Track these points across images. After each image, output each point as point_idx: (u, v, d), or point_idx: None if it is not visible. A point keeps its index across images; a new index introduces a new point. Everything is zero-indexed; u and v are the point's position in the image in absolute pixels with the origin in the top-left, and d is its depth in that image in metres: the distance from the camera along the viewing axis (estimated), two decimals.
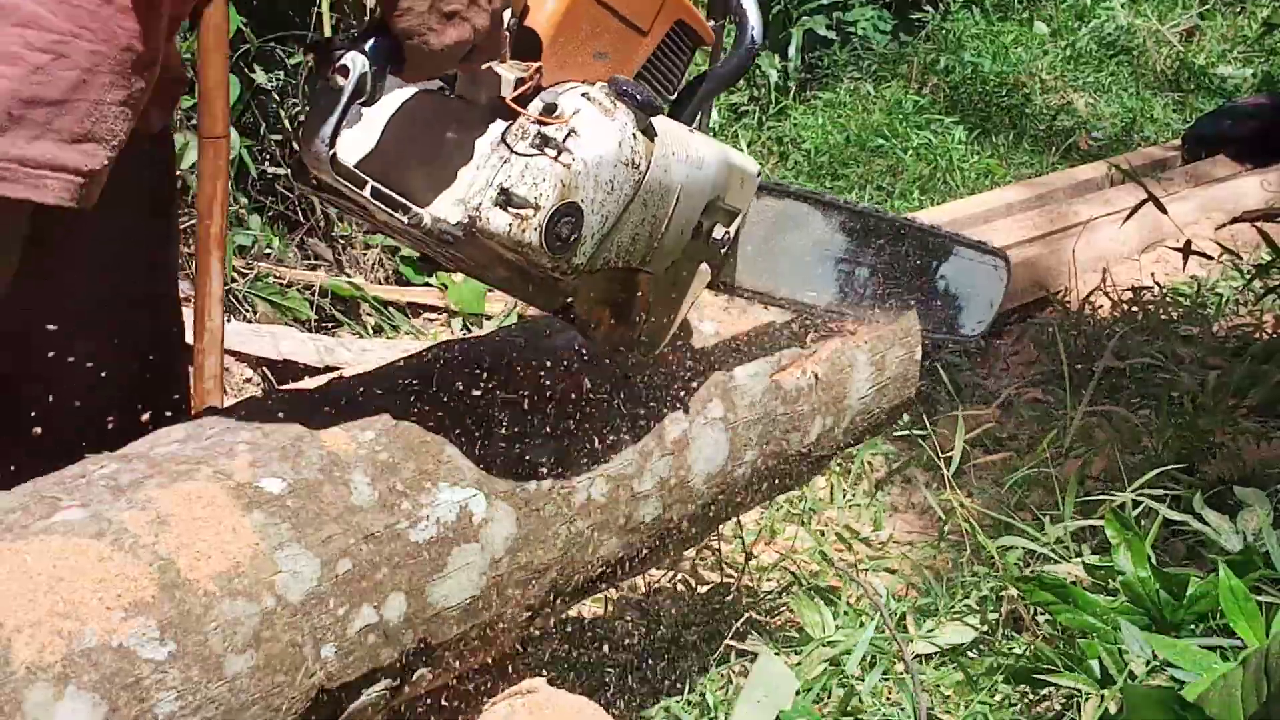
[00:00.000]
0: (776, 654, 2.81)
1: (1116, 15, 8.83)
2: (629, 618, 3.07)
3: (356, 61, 1.74)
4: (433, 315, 5.14)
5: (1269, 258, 4.78)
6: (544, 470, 2.11)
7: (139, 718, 1.58)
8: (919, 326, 2.69)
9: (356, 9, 5.14)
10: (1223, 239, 5.53)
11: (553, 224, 1.81)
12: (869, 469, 3.90)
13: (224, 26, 3.45)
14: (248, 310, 4.79)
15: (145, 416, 2.13)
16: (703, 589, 3.23)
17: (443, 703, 2.23)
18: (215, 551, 1.73)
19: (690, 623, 3.03)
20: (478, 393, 2.11)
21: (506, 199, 1.80)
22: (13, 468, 1.85)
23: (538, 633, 2.39)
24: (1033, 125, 7.63)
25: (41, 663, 1.53)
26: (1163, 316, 4.85)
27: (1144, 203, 5.02)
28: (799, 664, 2.84)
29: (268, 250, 5.10)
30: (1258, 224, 5.06)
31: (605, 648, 2.89)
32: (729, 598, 3.18)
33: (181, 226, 4.03)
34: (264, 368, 4.40)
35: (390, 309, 5.06)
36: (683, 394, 2.32)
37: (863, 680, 2.79)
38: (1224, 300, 5.06)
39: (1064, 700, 2.61)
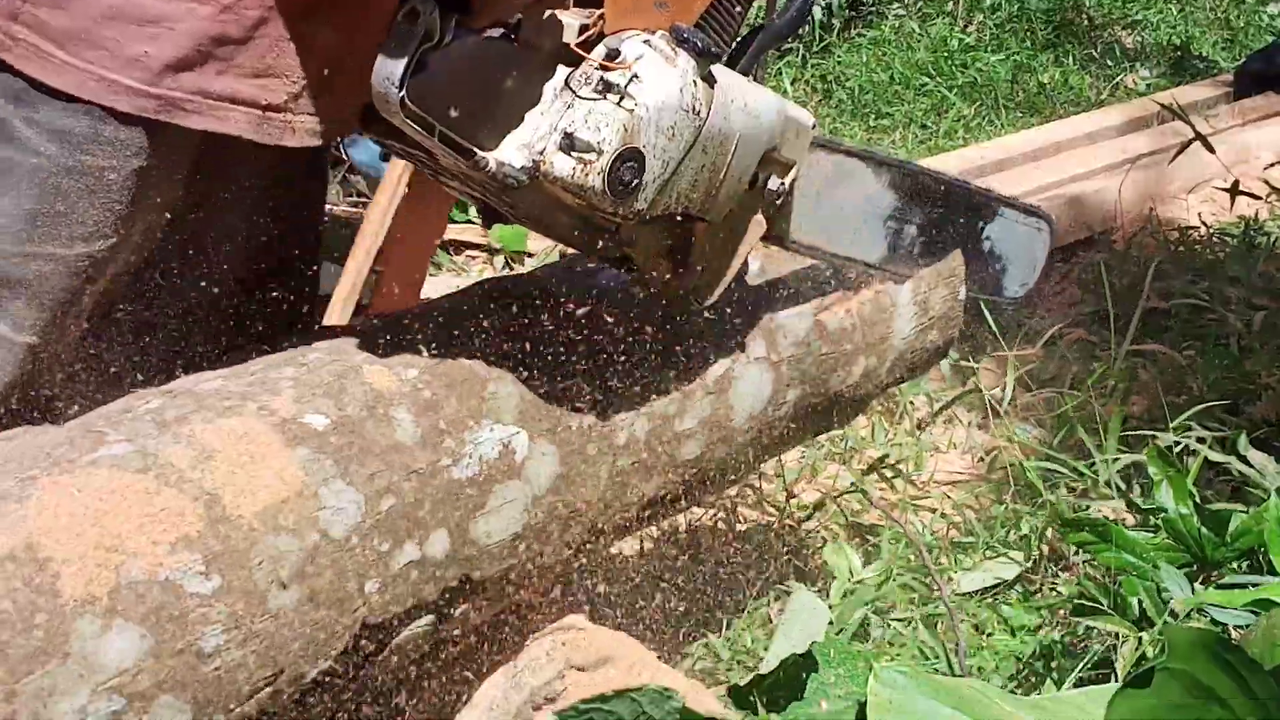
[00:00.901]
0: (817, 592, 2.82)
1: None
2: (670, 555, 3.08)
3: (425, 6, 1.76)
4: (474, 253, 5.14)
5: None
6: (586, 408, 2.11)
7: (184, 651, 1.60)
8: (962, 266, 2.67)
9: None
10: (1271, 178, 5.47)
11: (615, 168, 1.83)
12: (911, 408, 3.89)
13: None
14: None
15: None
16: (743, 527, 3.24)
17: (484, 638, 2.25)
18: (260, 487, 1.74)
19: (730, 561, 3.04)
20: (520, 330, 2.12)
21: (570, 143, 1.81)
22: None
23: (579, 569, 2.40)
24: (1079, 63, 7.55)
25: (89, 596, 1.54)
26: (1209, 256, 4.81)
27: (1191, 141, 4.97)
28: (836, 603, 2.85)
29: None
30: None
31: (646, 585, 2.90)
32: (770, 536, 3.19)
33: None
34: None
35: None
36: (726, 333, 2.32)
37: (897, 618, 2.80)
38: (1272, 240, 5.01)
39: (1103, 641, 2.61)
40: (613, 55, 1.85)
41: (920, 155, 6.24)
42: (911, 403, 3.92)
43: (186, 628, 1.61)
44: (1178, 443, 3.18)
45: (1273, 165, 5.67)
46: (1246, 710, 1.77)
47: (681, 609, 2.83)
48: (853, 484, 3.41)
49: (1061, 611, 2.75)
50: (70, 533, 1.58)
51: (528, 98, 1.88)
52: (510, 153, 1.85)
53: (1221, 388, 3.71)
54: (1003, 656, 2.73)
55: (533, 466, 2.03)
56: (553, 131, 1.83)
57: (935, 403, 3.90)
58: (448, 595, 1.95)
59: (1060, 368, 4.09)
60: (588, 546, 2.19)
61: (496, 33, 1.92)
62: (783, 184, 2.15)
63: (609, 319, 2.19)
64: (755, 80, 2.14)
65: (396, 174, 3.45)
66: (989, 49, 7.58)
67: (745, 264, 2.29)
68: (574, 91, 1.85)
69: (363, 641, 1.83)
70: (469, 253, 5.13)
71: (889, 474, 3.51)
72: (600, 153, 1.82)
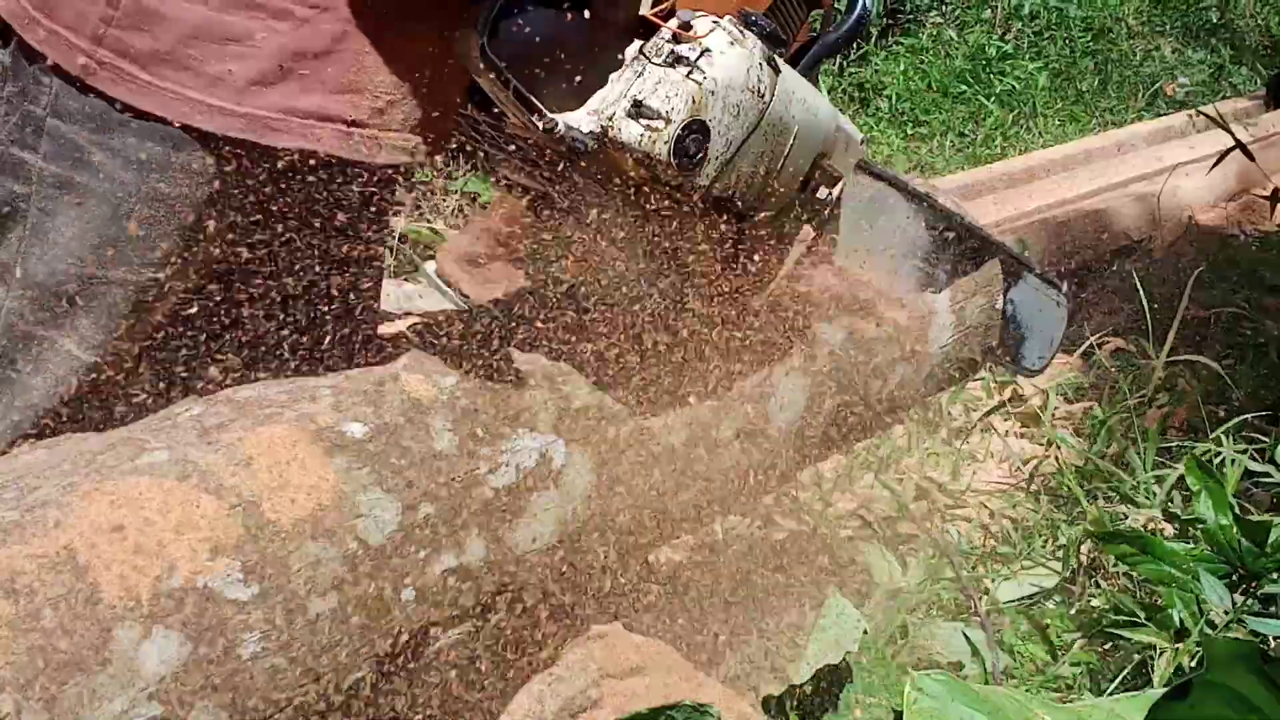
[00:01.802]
0: (853, 601, 2.81)
1: None
2: (705, 564, 3.08)
3: None
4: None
5: None
6: (624, 417, 2.11)
7: (223, 657, 1.61)
8: (1000, 275, 2.67)
9: None
10: None
11: (681, 139, 1.87)
12: (948, 417, 3.88)
13: None
14: None
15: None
16: (779, 536, 3.23)
17: (520, 646, 2.25)
18: (298, 494, 1.75)
19: (766, 569, 3.04)
20: (558, 339, 2.12)
21: (639, 110, 1.85)
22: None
23: (615, 577, 2.40)
24: (1118, 71, 7.53)
25: (129, 602, 1.55)
26: (1249, 265, 4.79)
27: (1231, 150, 4.95)
28: (871, 611, 2.84)
29: None
30: None
31: (681, 593, 2.90)
32: (805, 545, 3.18)
33: None
34: None
35: None
36: (763, 341, 2.32)
37: (931, 626, 2.79)
38: None
39: (1139, 653, 2.60)
40: (685, 26, 1.89)
41: (958, 163, 6.24)
42: (949, 412, 3.91)
43: (225, 634, 1.61)
44: (1217, 452, 3.16)
45: None
46: None
47: (716, 617, 2.83)
48: (890, 493, 3.40)
49: (1099, 621, 2.74)
50: (111, 540, 1.59)
51: (599, 65, 1.91)
52: (580, 117, 1.87)
53: (1261, 397, 3.69)
54: (1039, 666, 2.72)
55: (569, 475, 2.04)
56: (622, 98, 1.86)
57: (972, 412, 3.89)
58: (484, 603, 1.95)
59: (1099, 377, 4.08)
60: (624, 555, 2.19)
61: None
62: (830, 194, 2.19)
63: (646, 328, 2.19)
64: None
65: None
66: (1027, 56, 7.57)
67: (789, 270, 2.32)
68: (646, 60, 1.88)
69: (400, 649, 1.83)
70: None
71: (926, 484, 3.51)
72: (668, 121, 1.85)
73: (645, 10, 1.91)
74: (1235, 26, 8.14)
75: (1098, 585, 2.92)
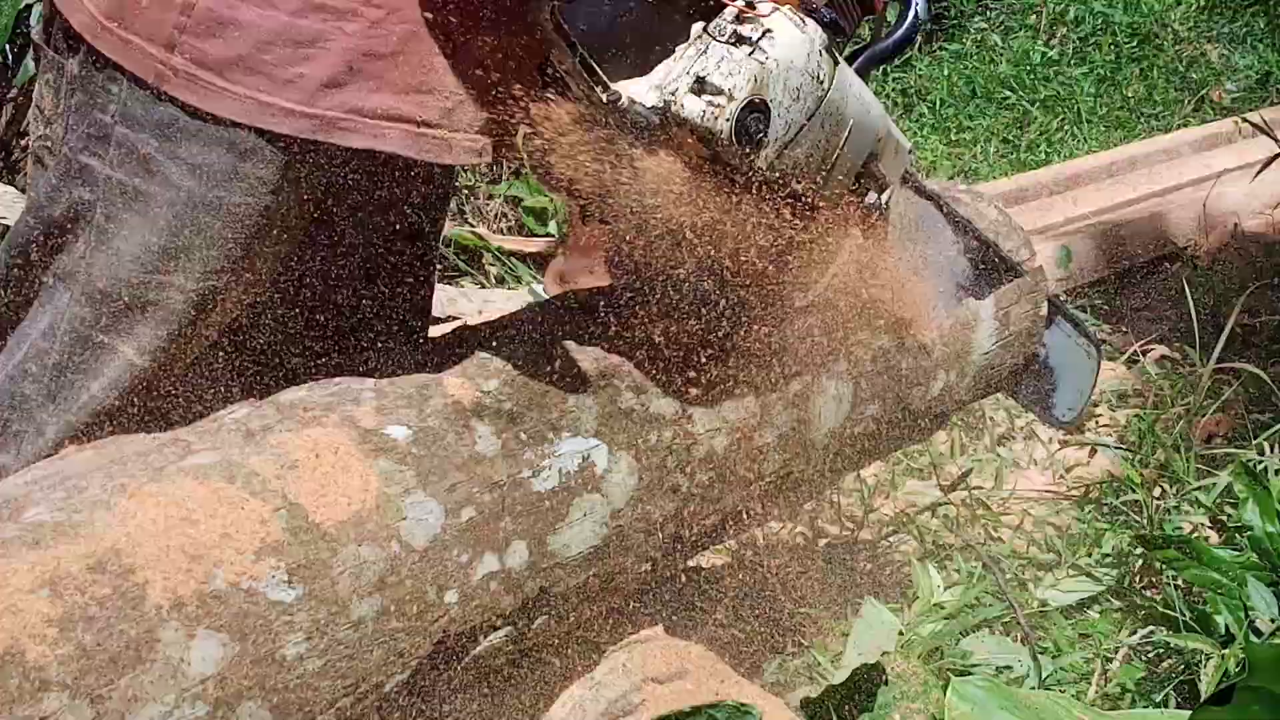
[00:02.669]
0: (894, 609, 2.81)
1: None
2: (747, 569, 3.08)
3: None
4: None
5: None
6: (666, 422, 2.11)
7: (267, 658, 1.62)
8: (1046, 281, 2.67)
9: None
10: None
11: (742, 117, 1.87)
12: (991, 424, 3.87)
13: None
14: None
15: None
16: (821, 542, 3.23)
17: (562, 650, 2.26)
18: (342, 497, 1.75)
19: (808, 574, 3.03)
20: (600, 344, 2.12)
21: (701, 86, 1.86)
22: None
23: (657, 582, 2.40)
24: (1164, 77, 7.49)
25: (174, 603, 1.56)
26: None
27: (1277, 156, 4.91)
28: (912, 618, 2.83)
29: None
30: None
31: (722, 598, 2.90)
32: (848, 550, 3.18)
33: None
34: None
35: (513, 259, 5.08)
36: (806, 346, 2.32)
37: (974, 633, 2.78)
38: None
39: (1186, 660, 2.59)
40: (748, 8, 1.90)
41: (1002, 169, 6.21)
42: (992, 418, 3.90)
43: (269, 635, 1.62)
44: (1259, 460, 3.14)
45: None
46: None
47: (758, 622, 2.83)
48: (933, 501, 3.39)
49: (1144, 628, 2.72)
50: (156, 541, 1.60)
51: (664, 44, 1.92)
52: (643, 91, 1.89)
53: None
54: (1083, 673, 2.71)
55: (612, 479, 2.04)
56: (685, 74, 1.87)
57: (1016, 418, 3.88)
58: (526, 607, 1.96)
59: (1144, 384, 4.06)
60: (665, 559, 2.19)
61: None
62: (879, 200, 2.18)
63: (689, 332, 2.19)
64: None
65: None
66: (1072, 62, 7.53)
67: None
68: (710, 37, 1.89)
69: (442, 652, 1.84)
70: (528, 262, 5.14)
71: (968, 490, 3.50)
72: (731, 98, 1.86)
73: None
74: None
75: (1143, 592, 2.90)
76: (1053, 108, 7.02)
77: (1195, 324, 4.01)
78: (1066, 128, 6.88)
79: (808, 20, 1.95)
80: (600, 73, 1.87)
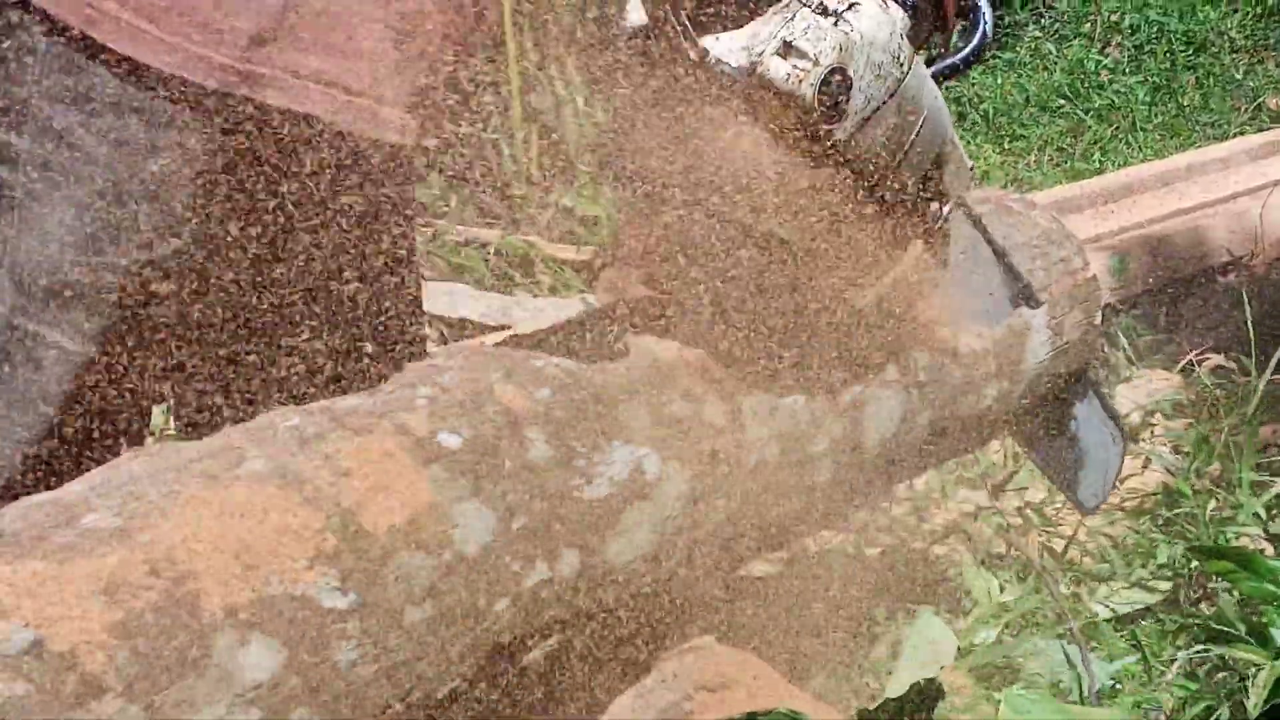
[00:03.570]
0: (946, 618, 2.80)
1: None
2: (799, 577, 3.07)
3: None
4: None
5: None
6: (718, 430, 2.11)
7: (320, 665, 1.62)
8: (1099, 290, 2.65)
9: None
10: None
11: (826, 83, 1.90)
12: None
13: None
14: (425, 268, 4.84)
15: None
16: (874, 551, 3.22)
17: (613, 659, 2.26)
18: (394, 504, 1.76)
19: (860, 583, 3.03)
20: (651, 351, 2.12)
21: (788, 49, 1.89)
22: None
23: (708, 590, 2.40)
24: (1220, 85, 7.43)
25: (228, 609, 1.57)
26: None
27: None
28: (967, 628, 2.82)
29: (444, 209, 5.15)
30: None
31: (774, 607, 2.90)
32: (900, 560, 3.17)
33: None
34: (440, 325, 4.46)
35: (565, 268, 5.09)
36: (858, 355, 2.31)
37: (1027, 645, 2.77)
38: None
39: (1241, 674, 2.57)
40: None
41: (1056, 178, 6.18)
42: None
43: (323, 642, 1.63)
44: None
45: None
46: None
47: (810, 631, 2.83)
48: (985, 509, 3.38)
49: (1197, 641, 2.70)
50: (210, 547, 1.60)
51: (752, 11, 1.96)
52: (731, 50, 1.93)
53: None
54: (1138, 685, 2.69)
55: (664, 488, 2.04)
56: (772, 38, 1.90)
57: None
58: (578, 615, 1.96)
59: (1198, 394, 4.03)
60: (717, 568, 2.19)
61: None
62: (940, 210, 2.19)
63: (739, 339, 2.19)
64: None
65: None
66: (1127, 71, 7.49)
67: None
68: (799, 4, 1.92)
69: (493, 660, 1.84)
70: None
71: (1021, 500, 3.48)
72: (816, 64, 1.89)
73: None
74: None
75: (1197, 604, 2.88)
76: (1107, 116, 6.99)
77: (1251, 333, 3.98)
78: (1121, 136, 6.85)
79: (890, 3, 1.98)
80: (691, 30, 1.91)
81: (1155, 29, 7.84)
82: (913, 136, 2.07)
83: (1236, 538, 3.09)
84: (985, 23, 2.23)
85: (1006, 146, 6.77)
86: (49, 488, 1.66)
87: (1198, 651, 2.68)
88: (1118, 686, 2.71)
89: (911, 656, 2.60)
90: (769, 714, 1.97)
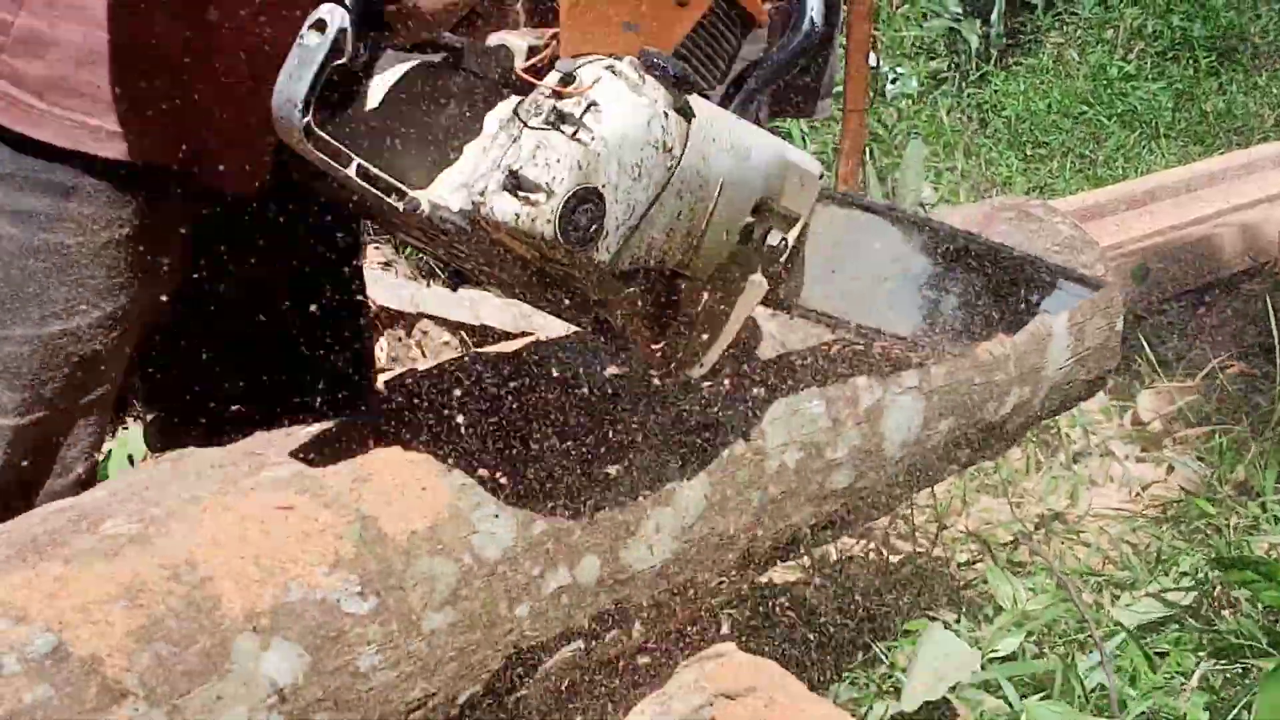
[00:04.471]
0: (968, 625, 2.79)
1: None
2: (820, 584, 3.07)
3: (335, 15, 1.55)
4: None
5: None
6: (737, 436, 2.11)
7: (341, 670, 1.63)
8: (1120, 296, 2.64)
9: None
10: None
11: (569, 212, 1.58)
12: (1066, 440, 3.84)
13: None
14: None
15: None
16: (894, 558, 3.22)
17: (633, 664, 2.26)
18: (414, 510, 1.76)
19: (880, 591, 3.02)
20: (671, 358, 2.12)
21: (516, 182, 1.56)
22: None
23: (728, 597, 2.40)
24: (1243, 91, 7.42)
25: (249, 614, 1.57)
26: None
27: None
28: (989, 637, 2.82)
29: None
30: None
31: (795, 613, 2.90)
32: (921, 567, 3.16)
33: None
34: (462, 332, 4.46)
35: None
36: (878, 362, 2.31)
37: (1049, 653, 2.76)
38: None
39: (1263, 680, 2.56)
40: (567, 80, 1.60)
41: (1078, 184, 6.18)
42: (1067, 435, 3.87)
43: (343, 647, 1.63)
44: None
45: None
46: None
47: (830, 638, 2.82)
48: (1007, 517, 3.37)
49: (1222, 649, 2.69)
50: (232, 552, 1.61)
51: (470, 132, 1.66)
52: (447, 194, 1.62)
53: None
54: (1161, 695, 2.68)
55: (683, 494, 2.04)
56: (495, 169, 1.58)
57: (1091, 435, 3.85)
58: (597, 621, 1.96)
59: (1221, 401, 4.02)
60: (737, 574, 2.19)
61: (437, 58, 1.72)
62: (785, 240, 1.91)
63: (760, 346, 2.19)
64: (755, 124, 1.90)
65: None
66: (1150, 77, 7.48)
67: (746, 330, 2.07)
68: (521, 123, 1.59)
69: (513, 665, 1.84)
70: None
71: (1041, 508, 3.48)
72: (550, 193, 1.56)
73: (519, 65, 1.67)
74: None
75: (1220, 613, 2.87)
76: (1130, 122, 6.98)
77: (1276, 340, 3.97)
78: (1144, 142, 6.84)
79: (647, 79, 1.64)
80: (388, 178, 1.60)
81: (1178, 35, 7.83)
82: (710, 210, 1.76)
83: (1260, 546, 3.08)
84: (811, 8, 1.87)
85: (1029, 153, 6.76)
86: None
87: (1219, 665, 2.67)
88: (1140, 694, 2.70)
89: (921, 672, 2.60)
90: None
